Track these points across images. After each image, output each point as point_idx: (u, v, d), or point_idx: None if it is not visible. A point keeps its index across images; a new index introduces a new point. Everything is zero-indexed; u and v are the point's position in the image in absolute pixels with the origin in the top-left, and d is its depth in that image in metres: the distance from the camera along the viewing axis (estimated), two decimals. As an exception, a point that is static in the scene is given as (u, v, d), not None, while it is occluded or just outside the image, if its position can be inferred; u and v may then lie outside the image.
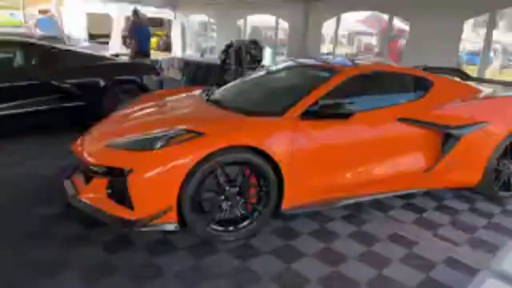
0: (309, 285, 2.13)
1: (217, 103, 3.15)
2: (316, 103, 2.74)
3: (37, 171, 3.53)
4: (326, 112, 2.65)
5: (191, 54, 12.60)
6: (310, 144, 2.67)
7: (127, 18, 15.90)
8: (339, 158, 2.82)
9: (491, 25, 5.98)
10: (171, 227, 2.33)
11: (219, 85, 7.65)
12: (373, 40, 24.17)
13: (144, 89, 5.37)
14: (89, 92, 4.89)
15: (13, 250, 2.29)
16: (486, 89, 3.66)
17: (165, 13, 13.72)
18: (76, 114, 4.87)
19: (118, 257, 2.27)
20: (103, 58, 5.47)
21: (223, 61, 8.36)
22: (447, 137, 3.14)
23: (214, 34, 12.11)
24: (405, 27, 7.89)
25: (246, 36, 10.81)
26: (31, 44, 4.91)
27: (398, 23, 8.52)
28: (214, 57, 10.23)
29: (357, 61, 3.66)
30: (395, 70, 3.41)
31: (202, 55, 10.94)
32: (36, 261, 2.18)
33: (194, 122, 2.60)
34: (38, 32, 12.45)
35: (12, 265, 2.14)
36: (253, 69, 8.22)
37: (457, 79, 3.95)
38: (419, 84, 3.26)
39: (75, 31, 17.21)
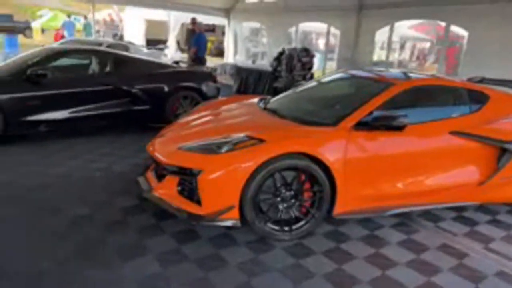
0: (360, 286, 2.29)
1: (275, 112, 3.39)
2: (369, 114, 2.89)
3: (112, 167, 3.99)
4: (380, 124, 2.79)
5: (242, 60, 13.02)
6: (363, 153, 2.83)
7: (182, 25, 16.80)
8: (390, 168, 2.94)
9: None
10: (233, 223, 2.59)
11: (276, 90, 7.92)
12: (427, 45, 23.33)
13: (202, 95, 5.79)
14: (154, 97, 5.36)
15: (96, 235, 2.67)
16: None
17: (219, 20, 14.31)
18: (141, 117, 5.37)
19: (187, 247, 2.58)
20: (166, 66, 5.96)
21: (275, 69, 8.63)
22: (502, 152, 3.14)
23: (264, 40, 12.44)
24: (463, 32, 7.68)
25: (297, 42, 11.01)
26: (105, 52, 5.48)
27: (454, 27, 8.26)
28: (265, 63, 10.55)
29: (410, 74, 3.73)
30: (449, 84, 3.45)
31: (253, 62, 11.29)
32: (118, 245, 2.55)
33: (255, 129, 2.86)
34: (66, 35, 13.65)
35: (95, 248, 2.52)
36: (304, 76, 8.43)
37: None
38: (474, 98, 3.28)
39: (133, 36, 18.43)
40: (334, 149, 2.71)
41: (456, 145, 3.07)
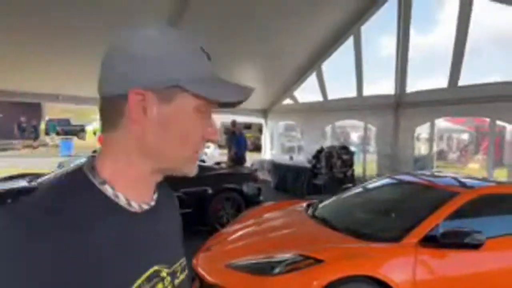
0: None
1: (324, 221, 3.19)
2: (435, 227, 2.62)
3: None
4: (451, 242, 2.49)
5: (278, 155, 13.25)
6: (433, 275, 2.49)
7: (222, 124, 17.77)
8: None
9: None
10: None
11: (315, 188, 7.71)
12: (466, 137, 22.94)
13: (243, 195, 5.72)
14: (199, 200, 5.34)
15: None
16: None
17: (255, 119, 15.04)
18: (188, 219, 5.29)
19: None
20: (209, 168, 6.07)
21: (314, 166, 8.60)
22: None
23: (299, 135, 12.72)
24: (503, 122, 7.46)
25: (333, 138, 11.15)
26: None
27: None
28: (302, 159, 10.61)
29: (465, 180, 3.46)
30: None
31: (291, 158, 11.40)
32: None
33: (308, 245, 2.65)
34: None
35: None
36: (344, 173, 8.29)
37: None
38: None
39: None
40: (401, 269, 2.42)
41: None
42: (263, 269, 2.46)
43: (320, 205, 3.75)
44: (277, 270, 2.40)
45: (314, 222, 3.25)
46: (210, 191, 5.42)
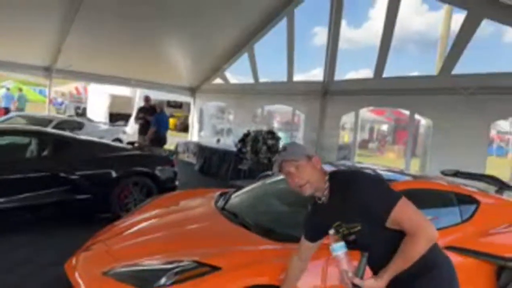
0: None
1: (234, 216, 2.79)
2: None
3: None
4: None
5: (207, 135, 12.71)
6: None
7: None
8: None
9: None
10: None
11: (239, 173, 7.36)
12: (385, 128, 24.58)
13: (156, 180, 5.13)
14: (99, 185, 4.63)
15: None
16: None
17: (185, 98, 14.25)
18: (81, 207, 4.58)
19: None
20: (116, 148, 5.34)
21: (239, 150, 8.24)
22: (500, 270, 2.66)
23: (231, 117, 12.31)
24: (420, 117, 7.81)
25: (262, 122, 10.92)
26: (43, 133, 4.80)
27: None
28: (229, 144, 10.21)
29: (383, 173, 3.30)
30: (437, 187, 3.01)
31: (218, 140, 10.95)
32: None
33: (206, 248, 2.22)
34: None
35: None
36: (269, 159, 8.06)
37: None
38: (464, 204, 2.87)
39: (97, 110, 17.94)
40: (311, 275, 2.10)
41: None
42: (146, 280, 1.97)
43: (234, 195, 3.34)
44: (162, 281, 1.93)
45: (222, 217, 2.83)
46: (113, 174, 4.73)
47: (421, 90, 6.41)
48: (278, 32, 9.41)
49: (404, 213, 1.54)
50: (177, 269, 1.97)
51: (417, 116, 7.51)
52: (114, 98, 17.41)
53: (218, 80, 11.74)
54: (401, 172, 3.65)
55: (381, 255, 1.61)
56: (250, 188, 3.55)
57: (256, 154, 7.78)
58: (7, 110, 12.98)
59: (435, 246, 1.65)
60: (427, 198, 2.80)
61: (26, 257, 3.55)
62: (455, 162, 4.80)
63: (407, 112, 7.47)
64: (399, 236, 1.57)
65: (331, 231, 1.67)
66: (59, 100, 27.22)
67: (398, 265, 1.53)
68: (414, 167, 7.60)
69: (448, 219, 2.76)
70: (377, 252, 1.63)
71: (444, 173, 4.23)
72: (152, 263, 2.11)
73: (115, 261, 2.24)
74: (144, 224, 2.86)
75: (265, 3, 8.52)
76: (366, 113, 17.14)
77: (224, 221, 2.74)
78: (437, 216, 2.79)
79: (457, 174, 4.08)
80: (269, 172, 4.44)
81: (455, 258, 2.54)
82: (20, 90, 15.53)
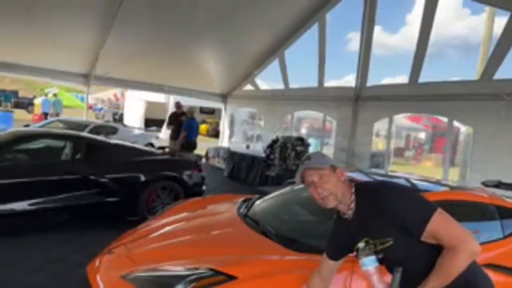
0: None
1: (256, 224, 2.72)
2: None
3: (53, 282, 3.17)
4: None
5: (238, 141, 12.76)
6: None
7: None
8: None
9: None
10: None
11: (267, 179, 7.28)
12: (423, 135, 23.61)
13: (183, 184, 5.17)
14: (128, 188, 4.72)
15: None
16: None
17: (217, 105, 14.42)
18: (111, 210, 4.69)
19: None
20: (146, 152, 5.44)
21: (267, 156, 8.17)
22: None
23: (262, 123, 12.29)
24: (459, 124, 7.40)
25: (292, 128, 10.80)
26: (76, 137, 4.96)
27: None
28: (259, 149, 10.17)
29: (417, 182, 3.10)
30: (476, 199, 2.78)
31: (247, 146, 10.95)
32: None
33: (225, 255, 2.16)
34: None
35: None
36: (297, 165, 7.92)
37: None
38: (506, 218, 2.63)
39: (134, 116, 18.57)
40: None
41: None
42: (162, 286, 1.94)
43: (257, 202, 3.26)
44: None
45: (243, 224, 2.76)
46: (142, 178, 4.80)
47: (460, 95, 6.07)
48: (309, 38, 9.31)
49: (442, 225, 1.41)
50: (192, 277, 1.93)
51: (456, 124, 7.12)
52: (149, 104, 17.96)
53: (248, 87, 11.78)
54: (437, 182, 3.44)
55: (416, 271, 1.48)
56: (274, 195, 3.46)
57: (284, 160, 7.67)
58: (46, 115, 13.76)
59: (475, 264, 1.49)
60: (464, 210, 2.59)
61: (59, 256, 3.67)
62: (498, 172, 4.51)
63: (445, 119, 7.09)
64: (435, 251, 1.43)
65: (361, 244, 1.56)
66: (99, 106, 28.52)
67: (435, 282, 1.40)
68: (453, 177, 7.20)
69: (488, 234, 2.53)
70: (411, 268, 1.50)
71: (485, 184, 3.96)
72: (169, 268, 2.08)
73: (134, 265, 2.23)
74: (165, 229, 2.85)
75: (297, 9, 8.44)
76: (401, 120, 16.55)
77: (245, 228, 2.67)
78: (476, 230, 2.58)
79: (499, 185, 3.81)
80: (294, 180, 4.31)
81: (494, 277, 2.35)
82: (55, 95, 16.42)
